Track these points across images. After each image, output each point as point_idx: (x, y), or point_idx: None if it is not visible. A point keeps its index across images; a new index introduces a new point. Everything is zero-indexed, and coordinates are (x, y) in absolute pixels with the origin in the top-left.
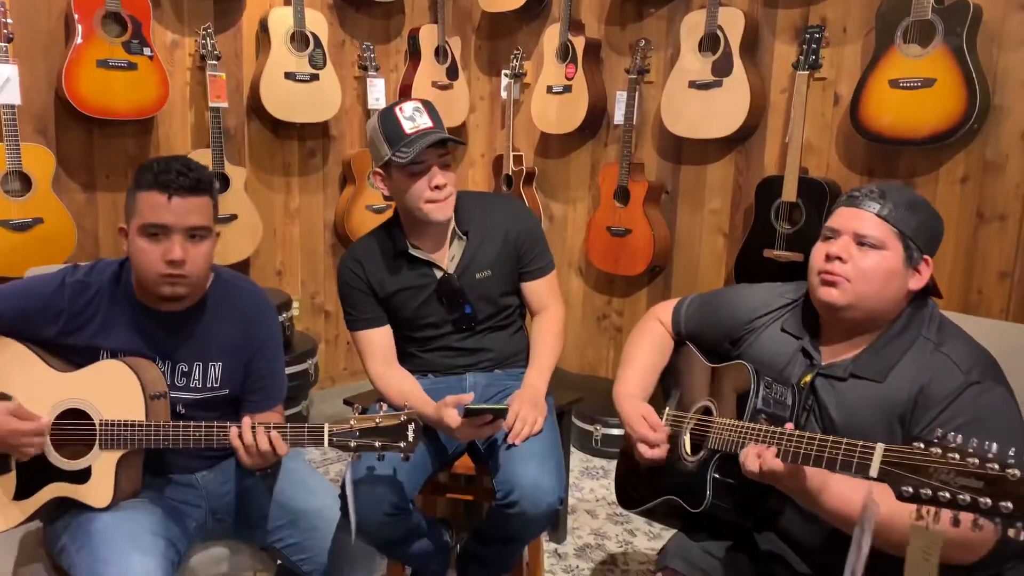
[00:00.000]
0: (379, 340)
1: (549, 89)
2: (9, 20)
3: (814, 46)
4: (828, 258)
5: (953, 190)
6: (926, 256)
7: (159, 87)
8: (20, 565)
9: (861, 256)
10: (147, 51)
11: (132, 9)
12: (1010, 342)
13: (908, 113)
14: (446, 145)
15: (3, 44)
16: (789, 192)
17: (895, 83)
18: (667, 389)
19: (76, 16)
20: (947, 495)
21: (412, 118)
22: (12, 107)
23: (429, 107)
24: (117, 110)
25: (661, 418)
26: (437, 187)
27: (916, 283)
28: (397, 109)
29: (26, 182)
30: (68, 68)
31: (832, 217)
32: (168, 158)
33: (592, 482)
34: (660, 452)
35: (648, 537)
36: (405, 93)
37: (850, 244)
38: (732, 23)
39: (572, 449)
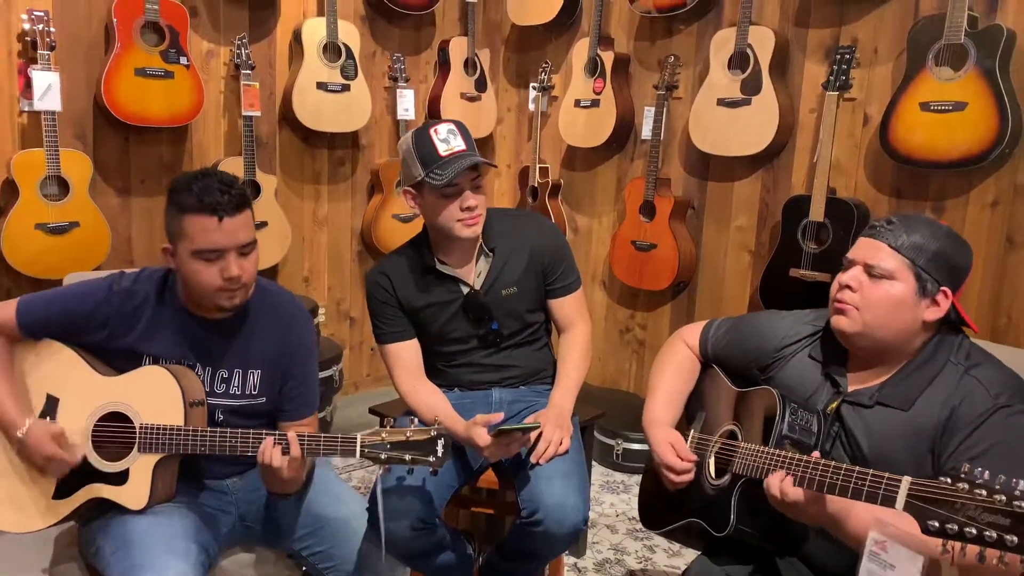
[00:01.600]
0: (407, 354)
1: (577, 103)
2: (52, 29)
3: (844, 67)
4: (840, 287)
5: (983, 214)
6: (944, 288)
7: (194, 95)
8: (55, 564)
9: (870, 286)
10: (183, 60)
11: (170, 19)
12: None
13: (939, 136)
14: (478, 168)
15: (45, 52)
16: (816, 212)
17: (926, 106)
18: (692, 411)
19: (116, 25)
20: (973, 531)
21: (447, 140)
22: (53, 113)
23: (462, 128)
24: (153, 117)
25: (686, 441)
26: (468, 208)
27: (933, 314)
28: (432, 131)
29: (64, 187)
30: (107, 76)
31: (852, 248)
32: (203, 176)
33: (613, 496)
34: (686, 479)
35: (668, 554)
36: (434, 104)
37: (861, 273)
38: (762, 42)
39: (593, 463)
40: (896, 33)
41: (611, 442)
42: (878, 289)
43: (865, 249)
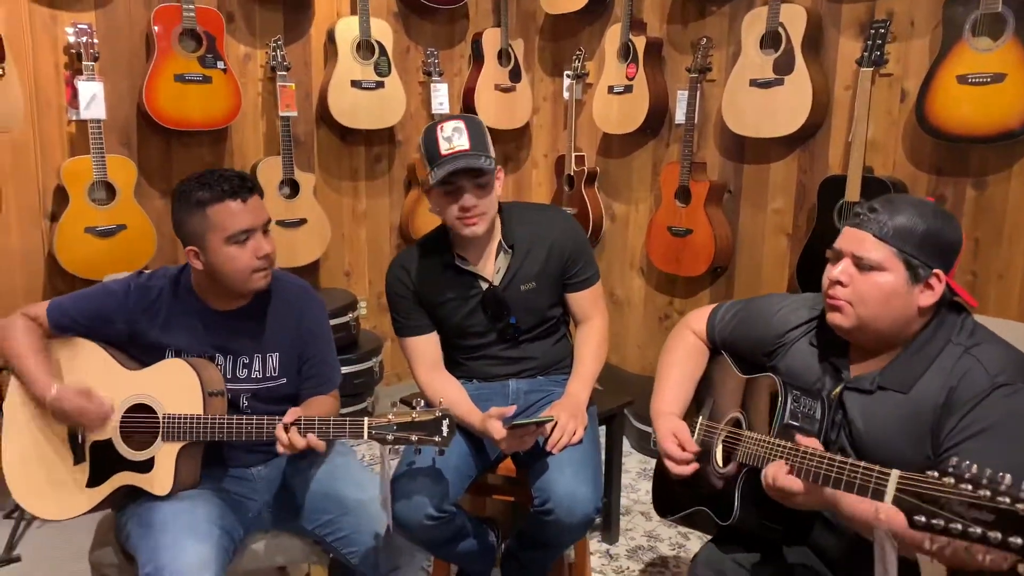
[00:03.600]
0: (426, 347)
1: (610, 89)
2: (95, 41)
3: (879, 41)
4: (829, 282)
5: None
6: (937, 271)
7: (232, 98)
8: (94, 549)
9: (861, 280)
10: (221, 65)
11: (207, 25)
12: None
13: (978, 109)
14: (481, 169)
15: (90, 63)
16: (852, 192)
17: (963, 79)
18: (701, 397)
19: (155, 34)
20: (959, 527)
21: (450, 138)
22: (99, 121)
23: (471, 126)
24: (193, 121)
25: (694, 429)
26: (464, 208)
27: (927, 299)
28: (438, 128)
29: (111, 191)
30: (148, 83)
31: (839, 237)
32: (207, 173)
33: (648, 484)
34: (687, 469)
35: (702, 541)
36: (468, 97)
37: (850, 266)
38: (794, 20)
39: (630, 450)
40: (932, 4)
41: (648, 429)
42: (868, 282)
43: (851, 240)
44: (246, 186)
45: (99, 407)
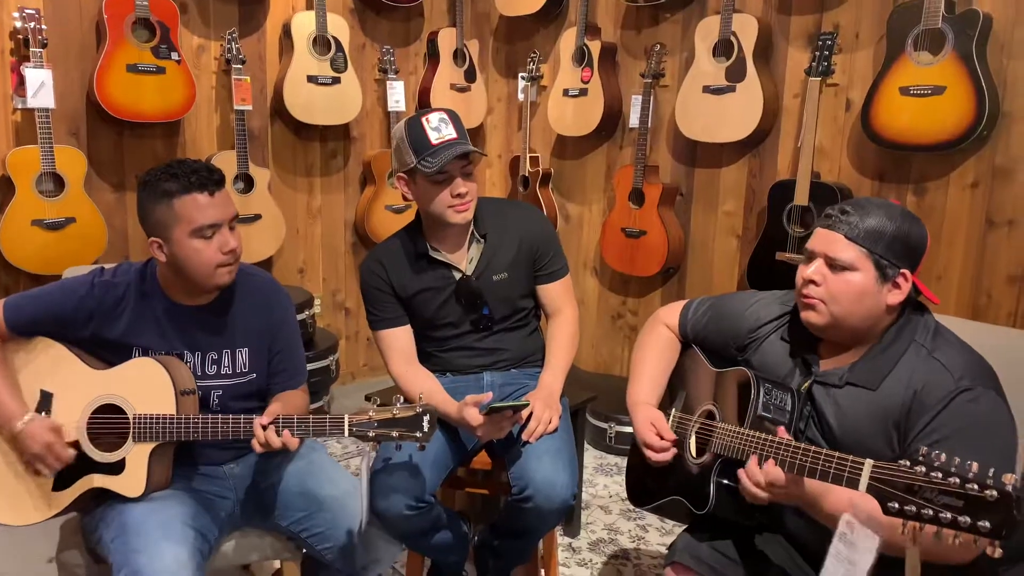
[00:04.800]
0: (400, 339)
1: (565, 92)
2: (43, 27)
3: (827, 52)
4: (805, 282)
5: (963, 195)
6: (904, 270)
7: (186, 90)
8: (60, 552)
9: (834, 279)
10: (175, 56)
11: (160, 15)
12: (1019, 353)
13: (919, 119)
14: (468, 156)
15: (37, 50)
16: (801, 196)
17: (906, 90)
18: (673, 390)
19: (107, 22)
20: (930, 512)
21: (438, 128)
22: (46, 110)
23: (454, 117)
24: (146, 113)
25: (668, 421)
26: (459, 195)
27: (895, 297)
28: (424, 119)
29: (59, 183)
30: (99, 73)
31: (811, 238)
32: (176, 163)
33: (606, 479)
34: (665, 458)
35: (660, 533)
36: (424, 95)
37: (823, 266)
38: (746, 29)
39: (586, 446)
40: (876, 18)
41: (604, 425)
42: (841, 281)
43: (824, 241)
44: (214, 179)
45: (65, 449)
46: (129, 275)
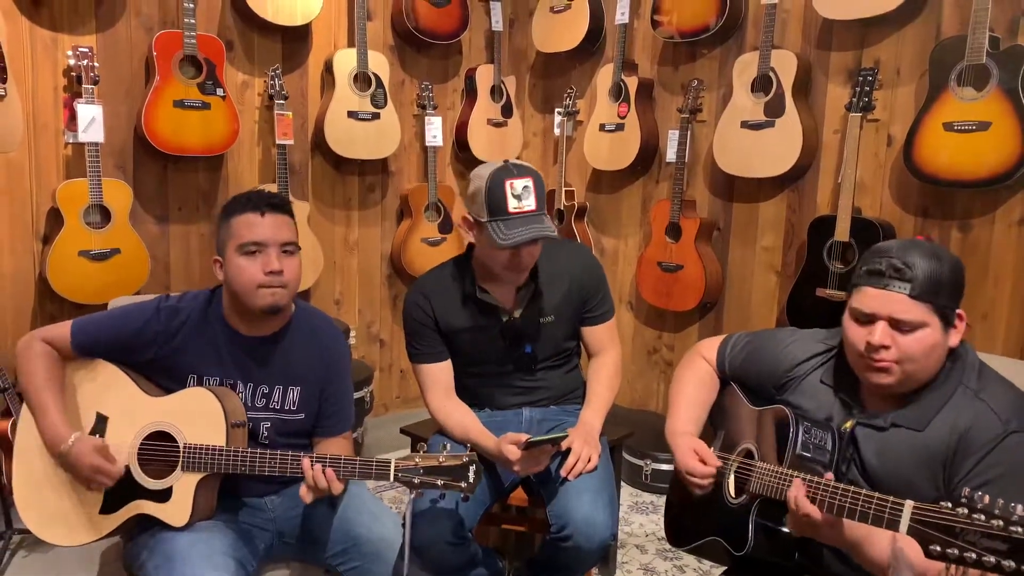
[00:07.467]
0: (440, 374)
1: (602, 127)
2: (96, 64)
3: (867, 88)
4: (871, 346)
5: (1010, 232)
6: (959, 311)
7: (230, 125)
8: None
9: (904, 340)
10: (220, 92)
11: (207, 52)
12: None
13: (963, 155)
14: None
15: (89, 87)
16: (842, 232)
17: (949, 126)
18: (712, 429)
19: (155, 59)
20: (973, 556)
21: (520, 197)
22: (96, 145)
23: (538, 185)
24: (190, 147)
25: None
26: (519, 267)
27: (955, 339)
28: (508, 183)
29: (106, 215)
30: (147, 108)
31: (861, 297)
32: (252, 191)
33: (642, 517)
34: (708, 484)
35: (698, 574)
36: (461, 130)
37: (888, 329)
38: (784, 65)
39: (622, 484)
40: (918, 54)
41: (640, 463)
42: (913, 341)
43: (884, 303)
44: (270, 202)
45: (114, 468)
46: (195, 302)
